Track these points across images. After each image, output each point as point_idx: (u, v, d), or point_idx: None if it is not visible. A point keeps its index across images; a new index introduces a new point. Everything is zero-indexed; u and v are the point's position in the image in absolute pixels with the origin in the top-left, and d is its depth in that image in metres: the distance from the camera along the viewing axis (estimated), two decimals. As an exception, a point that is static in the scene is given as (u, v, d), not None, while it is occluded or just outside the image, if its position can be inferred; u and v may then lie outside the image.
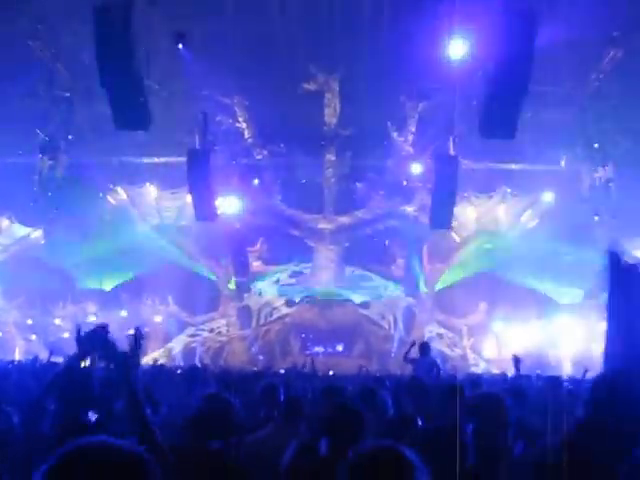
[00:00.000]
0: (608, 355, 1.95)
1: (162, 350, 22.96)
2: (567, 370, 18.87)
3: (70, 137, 20.26)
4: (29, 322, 23.59)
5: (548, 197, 22.67)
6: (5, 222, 22.82)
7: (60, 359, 9.66)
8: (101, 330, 3.88)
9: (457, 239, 24.61)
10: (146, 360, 18.00)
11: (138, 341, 3.51)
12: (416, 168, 22.56)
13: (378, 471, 2.13)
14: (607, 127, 19.70)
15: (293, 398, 5.50)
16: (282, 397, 5.68)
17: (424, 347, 12.37)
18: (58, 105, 19.26)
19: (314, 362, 14.45)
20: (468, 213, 23.95)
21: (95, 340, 3.86)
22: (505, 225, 24.31)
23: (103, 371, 4.16)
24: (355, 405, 4.02)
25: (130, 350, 3.48)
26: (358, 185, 24.63)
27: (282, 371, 14.77)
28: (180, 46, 17.19)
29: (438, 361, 12.48)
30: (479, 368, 21.35)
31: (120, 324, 21.92)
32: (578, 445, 2.13)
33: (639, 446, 1.90)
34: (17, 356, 18.65)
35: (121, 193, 23.79)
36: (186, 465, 3.30)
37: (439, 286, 25.40)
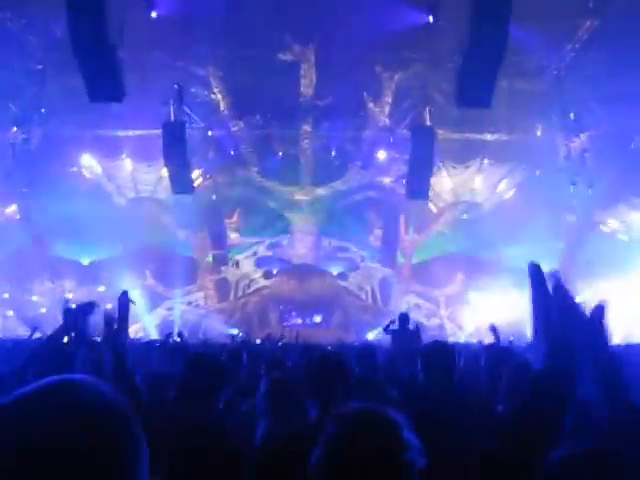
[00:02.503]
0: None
1: (139, 324, 22.81)
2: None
3: (43, 110, 19.98)
4: (5, 296, 23.32)
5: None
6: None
7: (40, 335, 9.60)
8: (89, 307, 3.86)
9: (434, 210, 24.71)
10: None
11: (126, 306, 3.46)
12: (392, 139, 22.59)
13: (360, 435, 1.92)
14: (583, 96, 19.74)
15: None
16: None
17: (403, 318, 12.36)
18: (31, 78, 18.96)
19: (296, 334, 14.49)
20: (445, 183, 24.02)
21: (81, 315, 3.83)
22: (481, 196, 24.42)
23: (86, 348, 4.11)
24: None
25: (119, 315, 3.42)
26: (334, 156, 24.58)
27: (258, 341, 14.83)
28: (154, 14, 16.99)
29: (419, 332, 12.29)
30: (457, 338, 21.49)
31: (98, 299, 21.79)
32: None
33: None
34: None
35: (96, 166, 23.57)
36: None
37: (416, 260, 25.54)
